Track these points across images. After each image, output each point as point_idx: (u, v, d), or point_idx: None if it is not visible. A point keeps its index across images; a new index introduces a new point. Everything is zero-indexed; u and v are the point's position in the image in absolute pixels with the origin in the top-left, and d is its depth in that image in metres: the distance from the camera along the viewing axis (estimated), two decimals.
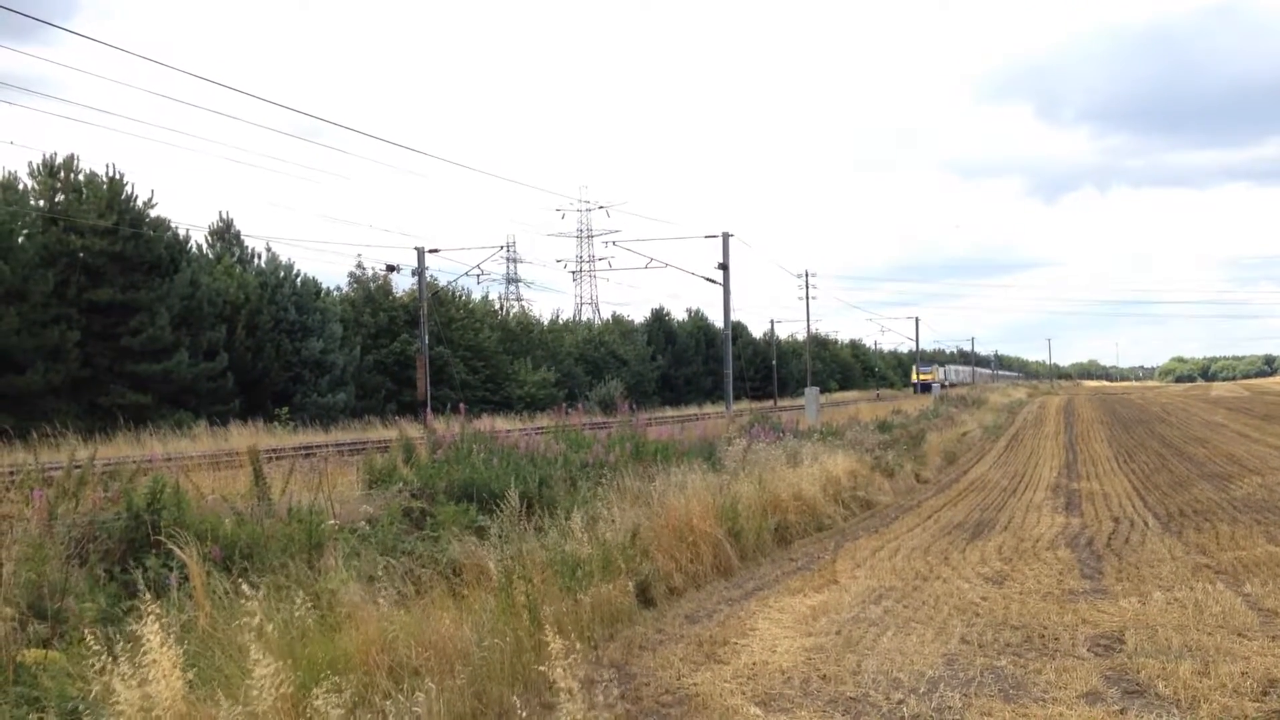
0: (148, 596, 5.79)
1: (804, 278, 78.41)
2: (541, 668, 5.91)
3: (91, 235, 34.68)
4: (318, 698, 5.27)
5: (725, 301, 40.30)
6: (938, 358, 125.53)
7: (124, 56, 63.94)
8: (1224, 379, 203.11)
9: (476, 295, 60.24)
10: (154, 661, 5.18)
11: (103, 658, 5.23)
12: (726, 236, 39.42)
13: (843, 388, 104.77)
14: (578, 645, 6.94)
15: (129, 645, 5.35)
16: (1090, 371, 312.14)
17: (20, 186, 35.59)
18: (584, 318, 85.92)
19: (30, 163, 37.62)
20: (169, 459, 11.80)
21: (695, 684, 6.99)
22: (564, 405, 27.94)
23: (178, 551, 7.20)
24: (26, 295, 31.54)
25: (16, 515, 7.71)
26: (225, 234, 45.67)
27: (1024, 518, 15.80)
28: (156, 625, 5.35)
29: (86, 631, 5.52)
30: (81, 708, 5.20)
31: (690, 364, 78.91)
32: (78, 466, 9.28)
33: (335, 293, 49.94)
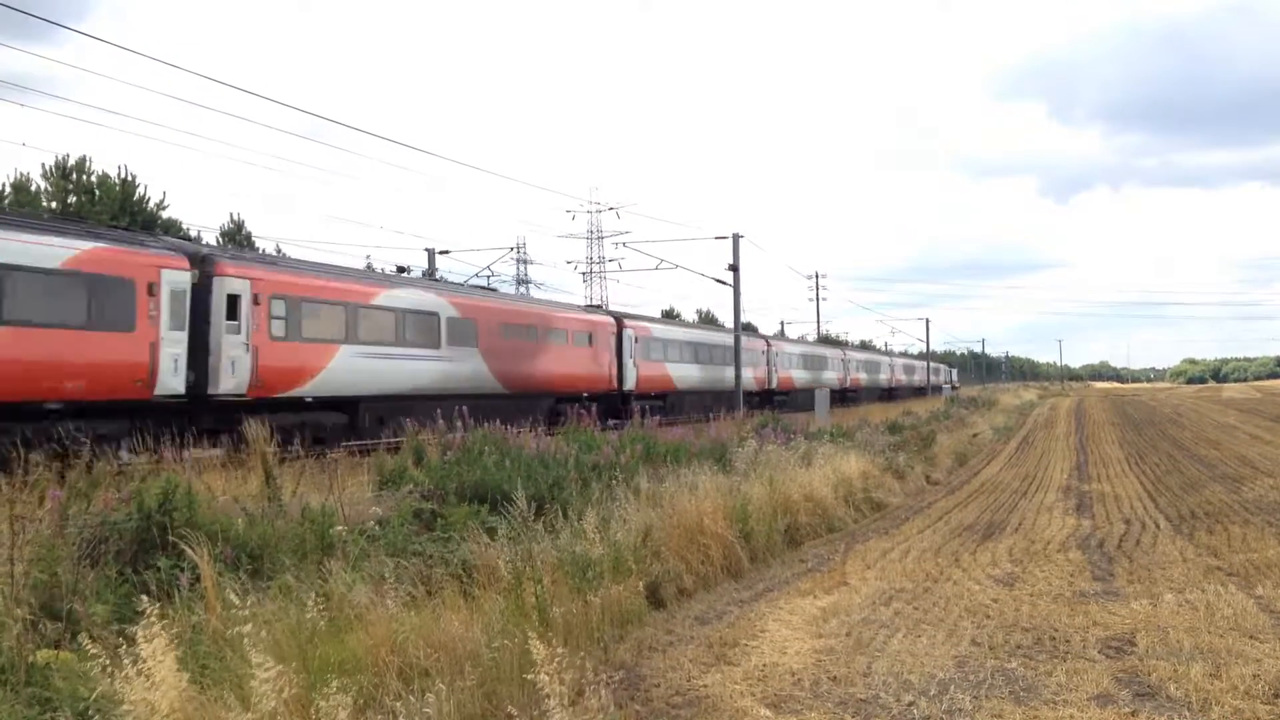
0: (146, 600, 5.79)
1: (814, 279, 78.51)
2: (528, 676, 5.90)
3: None
4: (325, 699, 5.28)
5: (735, 302, 40.29)
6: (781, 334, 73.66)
7: (135, 58, 64.17)
8: (1235, 380, 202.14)
9: None
10: (152, 667, 5.20)
11: (104, 660, 5.26)
12: (736, 238, 39.41)
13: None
14: (574, 650, 6.93)
15: (128, 649, 5.38)
16: (1101, 373, 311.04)
17: (33, 188, 35.80)
18: None
19: (43, 164, 37.77)
20: (181, 459, 11.81)
21: (705, 685, 6.99)
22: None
23: (189, 552, 7.22)
24: None
25: (29, 516, 7.74)
26: (236, 235, 45.83)
27: (1035, 519, 15.75)
28: (157, 628, 5.38)
29: (94, 633, 5.55)
30: (91, 711, 5.22)
31: None
32: (90, 467, 9.31)
33: None
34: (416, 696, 5.72)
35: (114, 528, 7.85)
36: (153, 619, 5.45)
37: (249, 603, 6.44)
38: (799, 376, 55.73)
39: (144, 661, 5.24)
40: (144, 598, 5.95)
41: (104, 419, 17.06)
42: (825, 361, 63.74)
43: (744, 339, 45.16)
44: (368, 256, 71.39)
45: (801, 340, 71.66)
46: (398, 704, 5.65)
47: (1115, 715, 6.28)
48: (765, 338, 50.67)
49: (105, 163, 63.27)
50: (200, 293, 19.22)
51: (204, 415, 19.01)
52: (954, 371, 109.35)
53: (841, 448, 20.20)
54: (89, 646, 5.43)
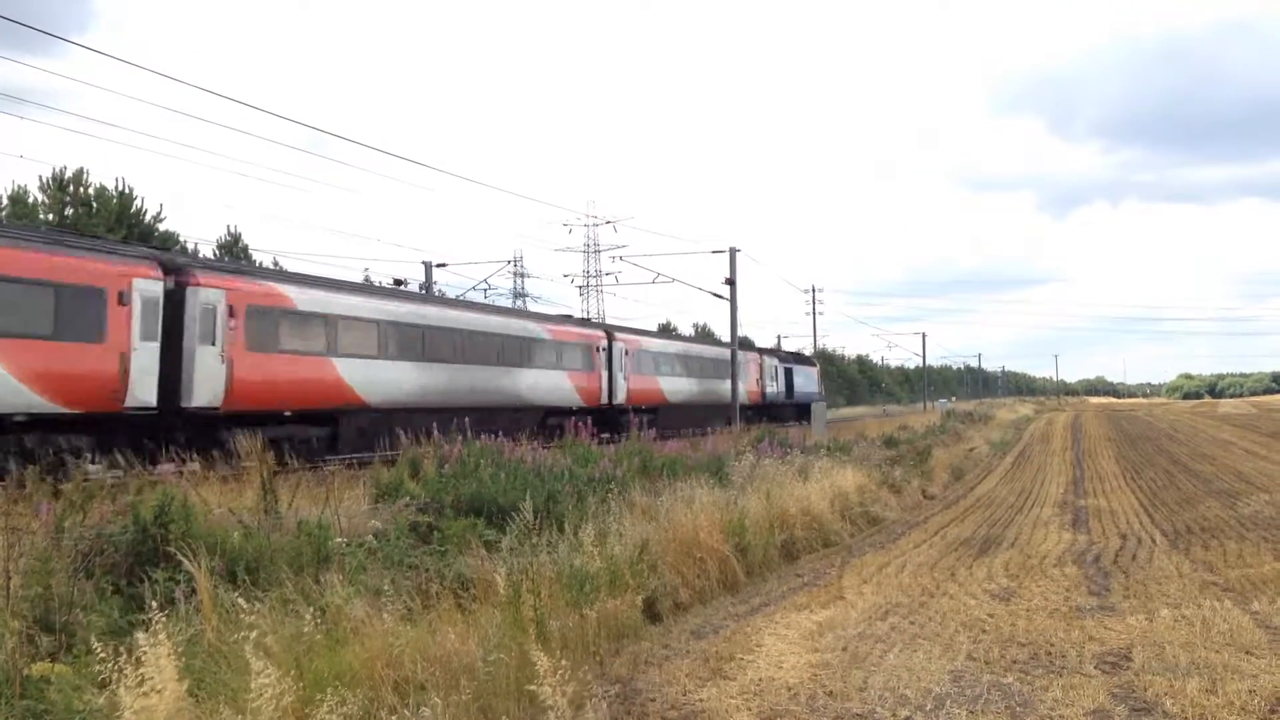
0: (153, 607, 5.79)
1: (811, 293, 78.59)
2: (530, 686, 5.90)
3: None
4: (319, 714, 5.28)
5: (732, 317, 40.33)
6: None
7: (132, 70, 64.31)
8: (1231, 396, 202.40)
9: None
10: (149, 676, 5.20)
11: (107, 668, 5.26)
12: (734, 252, 39.47)
13: (849, 403, 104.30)
14: (571, 663, 6.91)
15: (124, 658, 5.38)
16: (1097, 388, 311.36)
17: (30, 200, 35.78)
18: None
19: (40, 176, 37.72)
20: (177, 471, 11.82)
21: (701, 700, 6.98)
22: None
23: (186, 564, 7.21)
24: None
25: (24, 528, 7.73)
26: (233, 248, 45.83)
27: (1031, 534, 15.76)
28: (159, 636, 5.38)
29: (89, 644, 5.54)
30: None
31: None
32: (86, 479, 9.31)
33: None
34: (412, 711, 5.71)
35: (110, 540, 7.85)
36: (157, 626, 5.46)
37: (247, 610, 6.43)
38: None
39: (143, 666, 5.24)
40: (150, 602, 5.95)
41: None
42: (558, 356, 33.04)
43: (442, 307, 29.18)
44: (366, 269, 71.46)
45: (563, 317, 42.43)
46: (393, 718, 5.64)
47: None
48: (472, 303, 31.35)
49: (103, 175, 63.47)
50: None
51: None
52: (787, 371, 58.86)
53: (838, 462, 20.22)
54: (88, 655, 5.42)
